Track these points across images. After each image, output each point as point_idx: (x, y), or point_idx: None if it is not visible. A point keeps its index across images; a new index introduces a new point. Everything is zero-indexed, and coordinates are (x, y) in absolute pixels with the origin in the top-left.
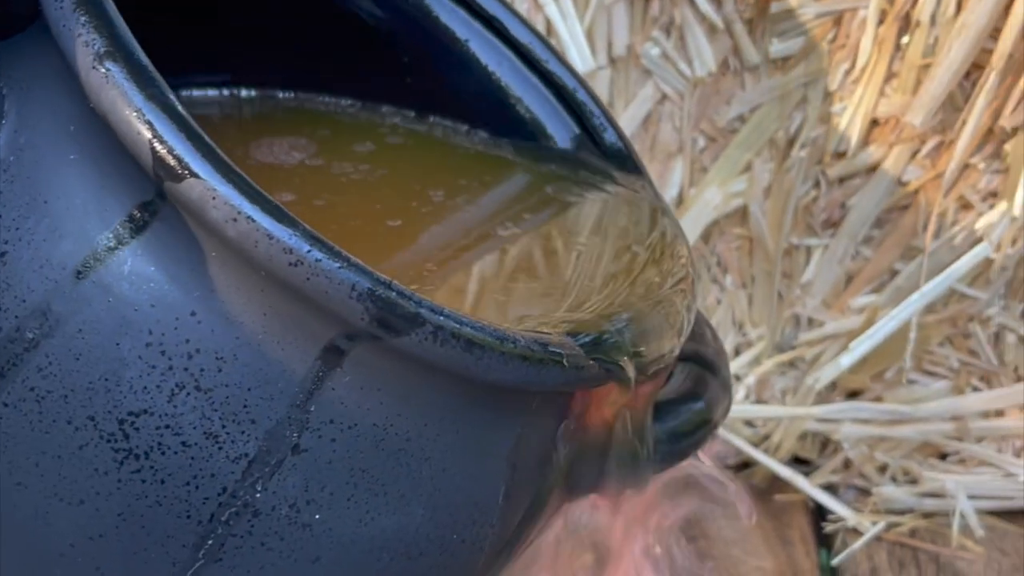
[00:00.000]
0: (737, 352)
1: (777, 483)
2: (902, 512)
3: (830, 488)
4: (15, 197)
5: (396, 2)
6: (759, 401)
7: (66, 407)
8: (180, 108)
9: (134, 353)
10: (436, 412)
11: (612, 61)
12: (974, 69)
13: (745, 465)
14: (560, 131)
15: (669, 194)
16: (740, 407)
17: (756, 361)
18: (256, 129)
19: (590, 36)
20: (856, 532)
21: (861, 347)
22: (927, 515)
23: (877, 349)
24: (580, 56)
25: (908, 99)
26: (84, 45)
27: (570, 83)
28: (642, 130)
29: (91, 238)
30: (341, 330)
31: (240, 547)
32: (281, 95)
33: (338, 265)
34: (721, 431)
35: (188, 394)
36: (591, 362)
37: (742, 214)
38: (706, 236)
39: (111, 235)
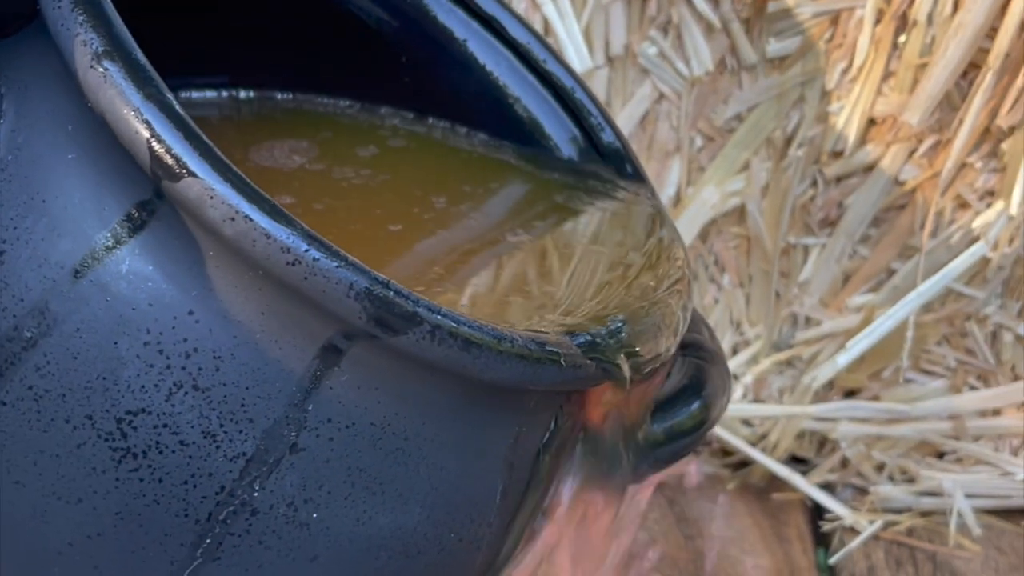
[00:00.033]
0: (735, 351)
1: (775, 482)
2: (899, 511)
3: (827, 487)
4: (13, 196)
5: (395, 2)
6: (756, 400)
7: (64, 406)
8: (178, 107)
9: (132, 352)
10: (434, 411)
11: (609, 60)
12: (971, 68)
13: (743, 464)
14: (558, 131)
15: (666, 193)
16: (738, 406)
17: (753, 360)
18: (256, 131)
19: (587, 35)
20: (853, 531)
21: (858, 346)
22: (924, 514)
23: (874, 348)
24: (577, 55)
25: (905, 98)
26: (82, 44)
27: (568, 83)
28: (640, 129)
29: (89, 237)
30: (339, 329)
31: (238, 546)
32: (279, 96)
33: (336, 264)
34: (719, 430)
35: (186, 393)
36: (588, 361)
37: (739, 213)
38: (704, 235)
39: (109, 234)
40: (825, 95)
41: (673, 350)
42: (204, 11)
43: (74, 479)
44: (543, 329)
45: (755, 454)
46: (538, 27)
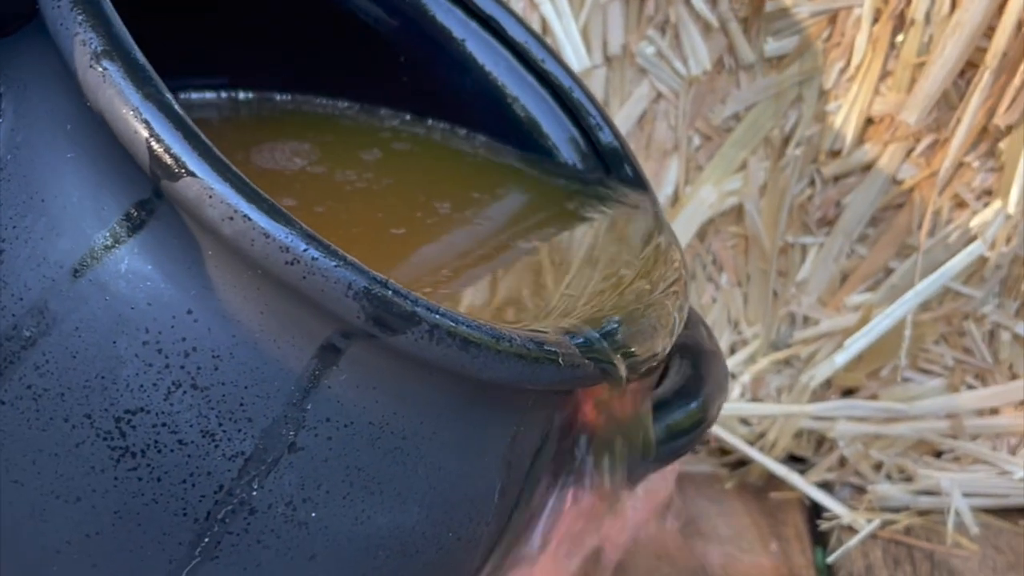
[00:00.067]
0: (733, 350)
1: (772, 481)
2: (897, 510)
3: (825, 486)
4: (12, 195)
5: (393, 1)
6: (754, 399)
7: (63, 405)
8: (177, 107)
9: (131, 351)
10: (432, 410)
11: (607, 60)
12: (968, 67)
13: (741, 463)
14: (556, 131)
15: (664, 192)
16: (735, 405)
17: (751, 359)
18: (256, 133)
19: (585, 35)
20: (851, 530)
21: (856, 345)
22: (922, 513)
23: (872, 347)
24: (575, 55)
25: (903, 97)
26: (81, 44)
27: (567, 82)
28: (637, 129)
29: (88, 236)
30: (337, 328)
31: (236, 545)
32: (279, 97)
33: (334, 264)
34: (717, 429)
35: (185, 392)
36: (586, 361)
37: (737, 212)
38: (701, 234)
39: (108, 233)
40: (823, 94)
41: (668, 350)
42: (204, 11)
43: (73, 478)
44: (541, 329)
45: (753, 453)
46: (536, 26)
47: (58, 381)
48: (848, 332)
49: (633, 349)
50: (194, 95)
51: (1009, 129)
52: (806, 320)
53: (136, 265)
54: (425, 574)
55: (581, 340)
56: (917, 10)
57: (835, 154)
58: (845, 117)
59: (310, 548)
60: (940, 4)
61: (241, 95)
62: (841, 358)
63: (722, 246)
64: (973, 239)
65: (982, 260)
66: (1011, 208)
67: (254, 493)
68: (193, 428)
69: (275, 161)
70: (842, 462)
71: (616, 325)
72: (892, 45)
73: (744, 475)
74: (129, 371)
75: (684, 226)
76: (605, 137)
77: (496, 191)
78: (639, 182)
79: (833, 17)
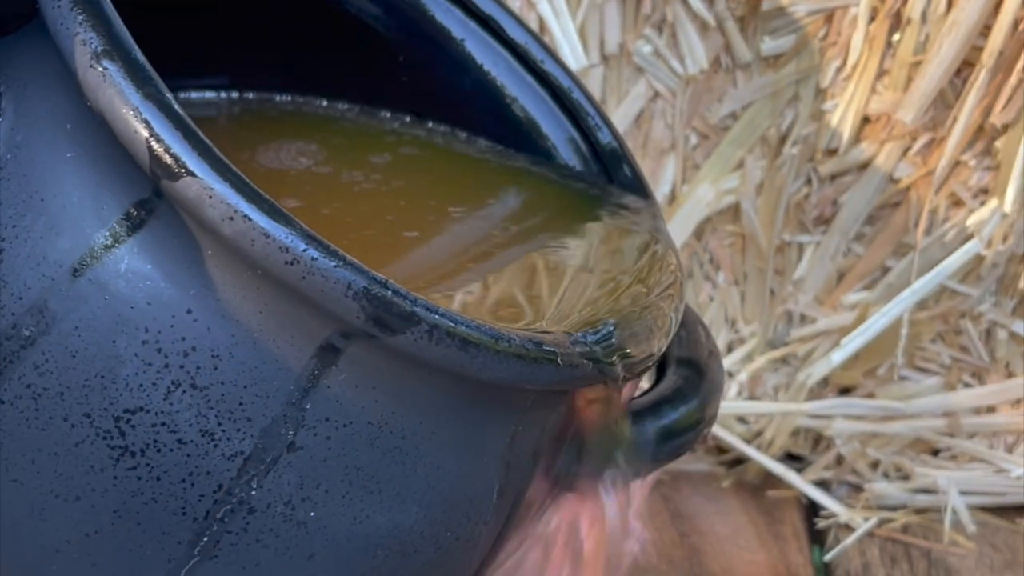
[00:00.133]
0: (729, 349)
1: (770, 479)
2: (894, 508)
3: (822, 484)
4: (12, 195)
5: (392, 1)
6: (751, 397)
7: (62, 404)
8: (177, 107)
9: (130, 351)
10: (431, 410)
11: (604, 59)
12: (965, 66)
13: (738, 461)
14: (555, 131)
15: (661, 191)
16: (733, 403)
17: (748, 358)
18: (257, 134)
19: (582, 34)
20: (848, 528)
21: (853, 343)
22: (919, 511)
23: (869, 346)
24: (572, 54)
25: (899, 96)
26: (82, 43)
27: (566, 83)
28: (635, 127)
29: (88, 236)
30: (337, 328)
31: (235, 544)
32: (279, 98)
33: (334, 264)
34: (714, 427)
35: (184, 392)
36: (585, 361)
37: (734, 211)
38: (698, 233)
39: (108, 233)
40: (819, 93)
41: (663, 350)
42: (204, 11)
43: (72, 477)
44: (540, 329)
45: (750, 451)
46: (533, 25)
47: (57, 380)
48: (845, 330)
49: (629, 350)
50: (194, 94)
51: (1005, 128)
52: (803, 318)
53: (136, 265)
54: (424, 573)
55: (579, 341)
56: (913, 9)
57: (831, 153)
58: (841, 116)
59: (309, 547)
60: (936, 3)
61: (241, 95)
62: (838, 356)
63: (719, 245)
64: (969, 237)
65: (978, 258)
66: (1007, 206)
67: (253, 492)
68: (192, 427)
69: (279, 161)
70: (839, 460)
71: (613, 327)
72: (888, 44)
73: (741, 473)
74: (128, 370)
75: (681, 225)
76: (604, 138)
77: (502, 194)
78: (638, 183)
79: (829, 16)
